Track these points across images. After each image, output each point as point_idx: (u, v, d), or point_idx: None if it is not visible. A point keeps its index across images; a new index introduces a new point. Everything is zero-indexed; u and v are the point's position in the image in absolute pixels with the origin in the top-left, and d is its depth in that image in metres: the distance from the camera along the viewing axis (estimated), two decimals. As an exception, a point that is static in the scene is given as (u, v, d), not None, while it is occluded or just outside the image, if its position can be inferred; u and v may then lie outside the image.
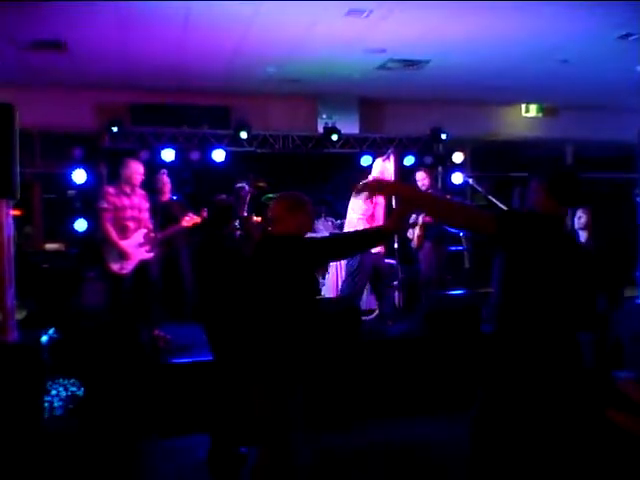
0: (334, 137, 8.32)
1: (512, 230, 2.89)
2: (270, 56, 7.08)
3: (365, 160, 8.44)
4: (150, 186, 6.70)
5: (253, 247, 3.55)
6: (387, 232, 3.58)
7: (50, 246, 8.29)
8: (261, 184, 7.57)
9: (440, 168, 8.75)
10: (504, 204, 7.10)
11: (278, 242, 3.40)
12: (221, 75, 7.82)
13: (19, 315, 6.50)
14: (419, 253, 7.34)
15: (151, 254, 6.27)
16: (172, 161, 7.71)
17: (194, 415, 5.11)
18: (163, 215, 6.69)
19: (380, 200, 6.78)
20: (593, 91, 8.67)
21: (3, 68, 5.38)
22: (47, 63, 7.14)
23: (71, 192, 7.78)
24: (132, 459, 4.79)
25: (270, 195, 7.70)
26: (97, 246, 6.25)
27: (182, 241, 6.70)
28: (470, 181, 7.57)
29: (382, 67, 7.51)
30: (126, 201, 6.15)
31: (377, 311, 7.16)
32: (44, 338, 5.47)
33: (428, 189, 7.31)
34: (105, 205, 6.03)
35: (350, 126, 8.86)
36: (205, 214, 5.95)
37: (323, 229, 8.29)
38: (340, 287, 7.10)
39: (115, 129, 7.58)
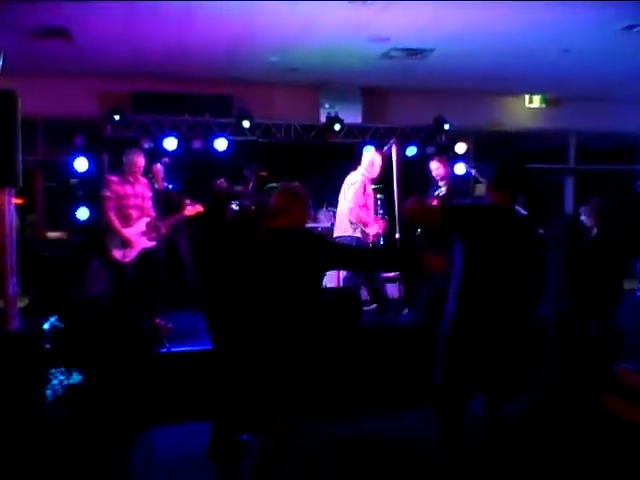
0: (336, 127, 8.29)
1: (454, 221, 3.32)
2: (272, 45, 7.05)
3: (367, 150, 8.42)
4: (148, 175, 6.71)
5: (258, 239, 3.51)
6: (421, 267, 3.58)
7: (52, 234, 8.30)
8: (263, 173, 7.58)
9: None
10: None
11: (289, 235, 3.41)
12: (223, 64, 7.79)
13: (21, 303, 6.51)
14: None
15: (153, 242, 6.28)
16: (174, 150, 7.69)
17: (195, 403, 5.13)
18: (163, 204, 6.70)
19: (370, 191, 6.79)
20: (597, 82, 8.64)
21: (6, 55, 5.35)
22: (50, 51, 7.12)
23: (73, 180, 7.78)
24: (133, 447, 4.81)
25: (273, 185, 7.71)
26: (99, 234, 6.26)
27: (182, 230, 6.70)
28: (473, 172, 7.55)
29: (385, 56, 7.48)
30: (129, 189, 6.17)
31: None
32: (46, 325, 5.48)
33: (443, 179, 7.26)
34: (108, 193, 6.05)
35: (353, 116, 8.82)
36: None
37: (324, 219, 8.29)
38: (342, 277, 7.10)
39: (117, 117, 7.55)
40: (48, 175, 8.72)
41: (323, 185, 8.08)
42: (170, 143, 7.67)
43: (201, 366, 5.21)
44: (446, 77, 8.43)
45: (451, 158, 8.08)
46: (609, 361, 5.20)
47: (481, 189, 7.10)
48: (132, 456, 4.69)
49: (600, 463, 3.58)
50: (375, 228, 6.76)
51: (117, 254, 6.05)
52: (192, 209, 6.32)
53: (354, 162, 7.17)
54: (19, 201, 7.33)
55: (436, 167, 7.29)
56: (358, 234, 6.60)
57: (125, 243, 6.06)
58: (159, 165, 6.92)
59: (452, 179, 7.33)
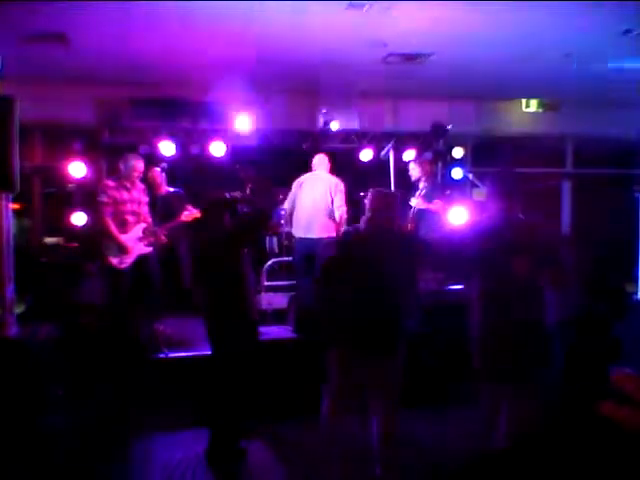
0: (334, 131, 8.31)
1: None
2: (270, 50, 7.06)
3: (365, 155, 8.43)
4: (146, 181, 6.71)
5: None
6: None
7: (49, 240, 8.28)
8: (260, 178, 7.59)
9: (440, 163, 8.74)
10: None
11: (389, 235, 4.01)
12: (221, 69, 7.79)
13: (18, 309, 6.50)
14: None
15: (150, 248, 6.27)
16: (172, 155, 7.70)
17: (194, 409, 5.12)
18: (162, 209, 6.70)
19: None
20: (594, 87, 8.65)
21: (3, 61, 5.36)
22: (48, 57, 7.11)
23: (71, 186, 7.78)
24: (132, 453, 4.80)
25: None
26: (96, 240, 6.25)
27: (180, 235, 6.70)
28: (470, 176, 7.57)
29: (383, 61, 7.49)
30: (126, 195, 6.16)
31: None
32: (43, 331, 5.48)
33: (419, 180, 7.45)
34: (105, 199, 6.04)
35: (350, 121, 8.83)
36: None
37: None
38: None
39: (115, 123, 7.56)
40: (45, 180, 8.71)
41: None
42: (167, 148, 7.67)
43: (199, 372, 5.20)
44: (443, 83, 8.44)
45: (448, 163, 8.10)
46: (606, 366, 5.22)
47: (479, 194, 7.12)
48: (130, 463, 4.68)
49: (595, 469, 3.57)
50: None
51: (113, 260, 6.04)
52: (189, 215, 6.32)
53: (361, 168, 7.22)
54: (16, 206, 7.32)
55: (412, 167, 7.55)
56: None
57: (121, 249, 6.05)
58: (158, 169, 6.93)
59: (432, 180, 7.52)
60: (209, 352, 4.74)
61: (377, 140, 8.58)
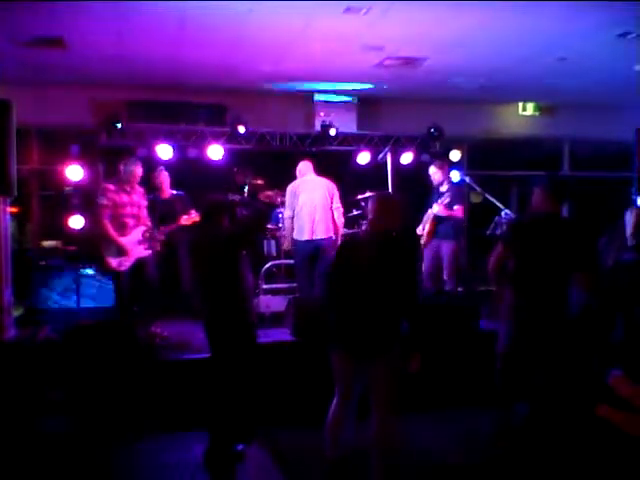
0: (331, 134, 8.33)
1: None
2: (267, 54, 7.07)
3: (362, 158, 8.45)
4: (147, 183, 6.72)
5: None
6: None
7: (47, 243, 8.28)
8: (258, 182, 7.61)
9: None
10: (501, 202, 7.12)
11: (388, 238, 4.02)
12: (218, 73, 7.81)
13: (16, 312, 6.50)
14: (424, 250, 7.38)
15: (149, 251, 6.28)
16: (169, 158, 7.70)
17: (191, 412, 5.12)
18: (163, 212, 6.71)
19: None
20: (590, 90, 8.68)
21: (1, 64, 5.37)
22: (45, 60, 7.12)
23: (68, 189, 7.78)
24: (129, 456, 4.79)
25: (269, 193, 7.71)
26: (95, 243, 6.26)
27: (179, 238, 6.71)
28: (467, 179, 7.58)
29: (380, 65, 7.51)
30: (125, 198, 6.17)
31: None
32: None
33: (441, 183, 7.39)
34: (105, 201, 6.04)
35: (347, 124, 8.85)
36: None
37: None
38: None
39: (113, 126, 7.56)
40: (43, 184, 8.71)
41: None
42: (165, 151, 7.67)
43: (197, 374, 5.20)
44: (440, 85, 8.47)
45: (445, 159, 8.10)
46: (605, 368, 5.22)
47: (477, 197, 7.13)
48: (128, 465, 4.68)
49: (593, 471, 3.59)
50: None
51: (113, 262, 6.04)
52: (188, 218, 6.33)
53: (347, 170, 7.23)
54: (14, 210, 7.33)
55: (434, 172, 7.44)
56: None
57: (121, 251, 6.06)
58: (164, 172, 6.95)
59: (452, 184, 7.42)
60: (207, 355, 4.75)
61: (374, 143, 8.59)
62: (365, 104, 9.31)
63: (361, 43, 6.70)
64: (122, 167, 6.24)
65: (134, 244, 6.14)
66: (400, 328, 3.92)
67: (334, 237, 6.97)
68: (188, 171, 7.86)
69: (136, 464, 4.68)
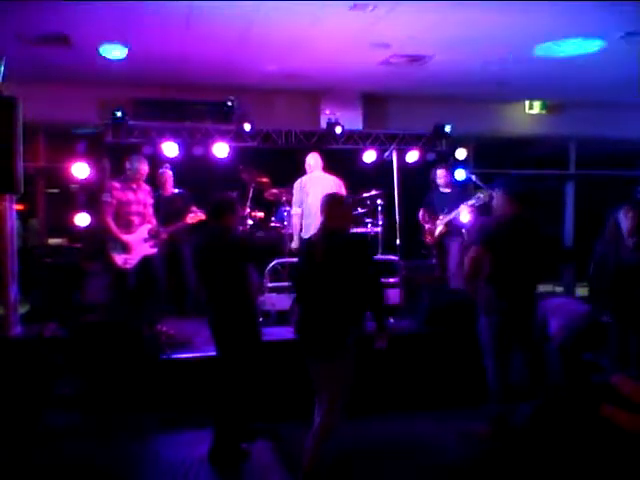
0: (337, 132, 8.32)
1: None
2: (273, 51, 7.07)
3: (368, 156, 8.43)
4: (152, 181, 6.72)
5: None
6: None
7: (53, 240, 8.31)
8: (263, 179, 7.60)
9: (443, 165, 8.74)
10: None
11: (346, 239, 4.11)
12: (224, 70, 7.81)
13: (22, 309, 6.52)
14: (433, 249, 7.41)
15: (155, 249, 6.28)
16: (175, 156, 7.70)
17: (197, 410, 5.13)
18: (166, 210, 6.71)
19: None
20: (597, 88, 8.65)
21: (7, 62, 5.37)
22: (51, 58, 7.14)
23: (74, 187, 7.79)
24: (135, 454, 4.81)
25: (274, 190, 7.71)
26: (101, 241, 6.27)
27: (185, 237, 6.71)
28: (473, 178, 7.57)
29: (386, 62, 7.50)
30: (131, 196, 6.17)
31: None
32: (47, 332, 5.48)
33: (447, 185, 7.59)
34: (109, 199, 6.04)
35: (353, 122, 8.84)
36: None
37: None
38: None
39: (118, 123, 7.56)
40: (49, 181, 8.73)
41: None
42: (171, 149, 7.67)
43: (202, 373, 5.21)
44: (446, 83, 8.45)
45: (452, 164, 8.11)
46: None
47: (483, 195, 7.09)
48: (133, 463, 4.69)
49: (597, 471, 3.58)
50: None
51: (119, 260, 6.04)
52: (194, 217, 6.33)
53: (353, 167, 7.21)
54: (20, 207, 7.35)
55: (444, 175, 7.63)
56: None
57: (125, 247, 6.06)
58: (168, 171, 6.95)
59: (456, 186, 7.65)
60: (212, 353, 4.75)
61: (380, 141, 8.58)
62: (371, 102, 9.30)
63: (367, 40, 6.69)
64: (128, 165, 6.24)
65: (139, 242, 6.14)
66: (357, 327, 4.00)
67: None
68: (193, 169, 7.86)
69: (140, 460, 4.70)
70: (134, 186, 6.20)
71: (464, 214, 7.08)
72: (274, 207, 7.82)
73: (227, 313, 4.54)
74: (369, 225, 7.85)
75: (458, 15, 5.88)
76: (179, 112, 8.28)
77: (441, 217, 7.38)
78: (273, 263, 7.49)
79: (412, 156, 8.48)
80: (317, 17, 5.96)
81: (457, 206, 7.13)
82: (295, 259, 7.34)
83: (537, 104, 9.89)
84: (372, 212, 7.87)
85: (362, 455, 4.73)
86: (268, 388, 5.19)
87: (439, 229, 7.31)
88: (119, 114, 7.49)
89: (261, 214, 7.58)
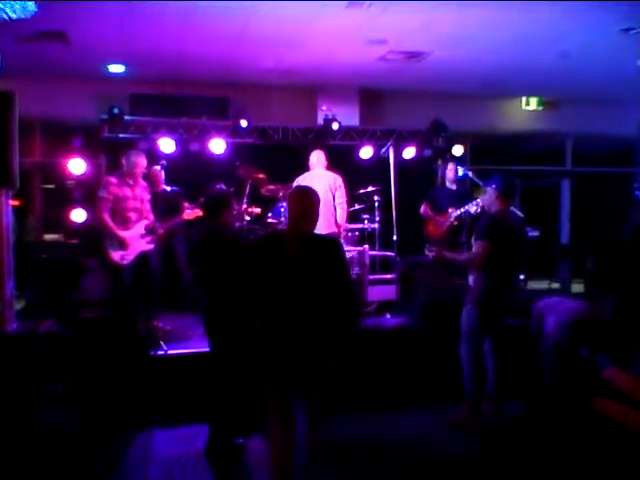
0: (334, 128, 8.32)
1: None
2: (270, 48, 7.07)
3: (365, 152, 8.43)
4: (146, 177, 6.70)
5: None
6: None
7: (49, 236, 8.30)
8: (260, 175, 7.59)
9: (439, 161, 8.76)
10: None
11: (321, 241, 3.57)
12: (221, 67, 7.80)
13: (18, 305, 6.51)
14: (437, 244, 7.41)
15: (151, 245, 6.27)
16: (171, 152, 7.69)
17: (193, 406, 5.13)
18: (162, 206, 6.70)
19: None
20: (593, 85, 8.66)
21: (4, 57, 5.37)
22: (48, 53, 7.13)
23: (70, 182, 7.78)
24: (130, 449, 4.81)
25: (271, 187, 7.71)
26: (97, 236, 6.25)
27: (180, 233, 6.70)
28: (470, 174, 7.57)
29: (382, 58, 7.50)
30: (128, 192, 6.14)
31: (375, 303, 7.18)
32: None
33: (453, 182, 7.57)
34: (105, 194, 6.02)
35: (350, 118, 8.85)
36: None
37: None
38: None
39: (114, 119, 7.55)
40: (45, 177, 8.71)
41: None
42: (167, 145, 7.67)
43: (198, 368, 5.20)
44: (443, 80, 8.45)
45: (448, 160, 8.12)
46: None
47: (479, 192, 7.11)
48: (129, 458, 4.69)
49: (591, 467, 3.59)
50: None
51: (115, 256, 6.03)
52: (191, 212, 6.31)
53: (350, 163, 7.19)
54: (16, 203, 7.33)
55: (453, 168, 7.57)
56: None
57: (122, 244, 6.05)
58: (158, 167, 6.92)
59: (461, 182, 7.62)
60: (208, 348, 4.75)
61: (377, 137, 8.58)
62: (368, 98, 9.30)
63: (364, 37, 6.69)
64: (124, 160, 6.22)
65: (136, 238, 6.13)
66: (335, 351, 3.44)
67: (337, 232, 6.92)
68: (190, 165, 7.85)
69: (137, 457, 4.69)
70: (131, 181, 6.17)
71: (474, 210, 7.11)
72: (271, 203, 7.81)
73: (222, 309, 4.54)
74: (366, 221, 7.85)
75: (455, 12, 5.88)
76: (176, 108, 8.27)
77: (451, 211, 7.34)
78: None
79: (409, 152, 8.49)
80: (314, 14, 5.95)
81: (465, 202, 7.11)
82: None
83: (534, 100, 9.91)
84: (369, 208, 7.87)
85: (357, 451, 4.74)
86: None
87: (449, 222, 7.30)
88: (116, 110, 7.49)
89: (257, 210, 7.56)
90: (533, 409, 4.60)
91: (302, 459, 3.61)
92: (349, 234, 7.52)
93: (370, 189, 7.79)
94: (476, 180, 7.46)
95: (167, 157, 7.34)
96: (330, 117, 8.40)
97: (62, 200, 7.87)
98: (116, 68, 7.14)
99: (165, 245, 6.68)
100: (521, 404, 5.11)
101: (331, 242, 3.59)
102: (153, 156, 7.20)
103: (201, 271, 4.68)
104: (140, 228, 6.19)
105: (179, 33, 6.51)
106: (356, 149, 8.49)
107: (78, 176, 7.39)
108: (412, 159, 8.53)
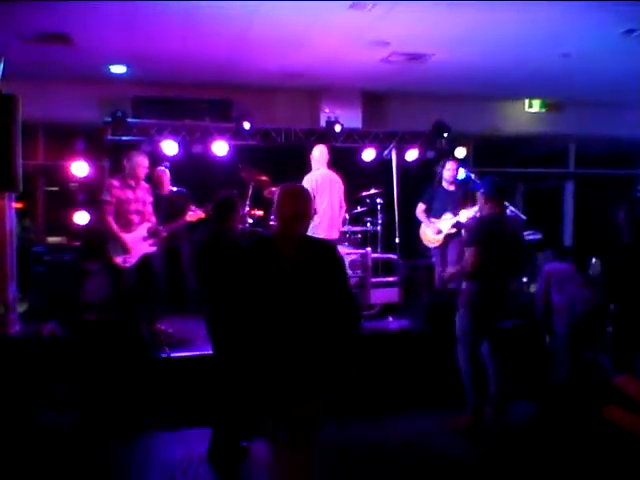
0: (337, 130, 8.31)
1: None
2: (273, 50, 7.06)
3: (367, 154, 8.43)
4: (150, 180, 6.70)
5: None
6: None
7: (52, 239, 8.30)
8: (263, 178, 7.59)
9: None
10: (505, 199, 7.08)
11: (318, 245, 3.31)
12: (224, 69, 7.80)
13: (21, 308, 6.52)
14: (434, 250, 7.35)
15: (154, 248, 6.27)
16: (174, 154, 7.69)
17: (196, 409, 5.12)
18: (165, 208, 6.70)
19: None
20: (596, 87, 8.65)
21: (7, 60, 5.36)
22: (51, 56, 7.13)
23: (73, 185, 7.78)
24: (133, 452, 4.80)
25: (273, 189, 7.70)
26: (100, 239, 6.25)
27: (184, 235, 6.70)
28: (472, 176, 7.55)
29: (385, 60, 7.49)
30: (130, 194, 6.14)
31: (378, 306, 7.17)
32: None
33: (452, 183, 7.32)
34: (108, 198, 6.01)
35: (353, 120, 8.84)
36: (209, 209, 5.96)
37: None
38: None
39: (117, 121, 7.55)
40: (48, 179, 8.72)
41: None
42: (170, 147, 7.66)
43: (201, 371, 5.20)
44: (446, 82, 8.44)
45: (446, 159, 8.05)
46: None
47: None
48: (131, 461, 4.68)
49: (599, 473, 3.58)
50: None
51: (118, 259, 6.03)
52: (194, 215, 6.31)
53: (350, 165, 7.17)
54: (19, 205, 7.34)
55: (452, 168, 7.34)
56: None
57: (125, 248, 6.05)
58: (164, 169, 6.93)
59: (461, 185, 7.37)
60: (210, 351, 4.75)
61: (379, 139, 8.57)
62: (370, 100, 9.29)
63: (367, 39, 6.69)
64: (125, 162, 6.21)
65: (139, 240, 6.13)
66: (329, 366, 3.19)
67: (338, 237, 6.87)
68: (193, 167, 7.85)
69: (139, 460, 4.69)
70: (133, 183, 6.16)
71: (463, 215, 6.96)
72: (273, 205, 7.81)
73: (224, 312, 4.53)
74: (368, 224, 7.84)
75: (458, 13, 5.87)
76: (179, 110, 8.27)
77: (446, 217, 7.17)
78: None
79: (411, 154, 8.48)
80: (316, 15, 5.95)
81: (460, 207, 6.99)
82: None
83: (536, 102, 9.89)
84: (371, 211, 7.86)
85: (360, 454, 4.73)
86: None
87: (445, 230, 7.11)
88: (119, 113, 7.50)
89: (260, 212, 7.56)
90: (545, 413, 4.60)
91: None
92: (351, 236, 7.52)
93: (372, 191, 7.79)
94: (477, 183, 7.42)
95: (170, 159, 7.34)
96: (333, 119, 8.40)
97: (65, 203, 7.87)
98: (119, 69, 7.13)
99: (169, 247, 6.68)
100: (524, 406, 5.12)
101: (326, 245, 3.34)
102: (156, 158, 7.20)
103: (204, 274, 4.67)
104: (142, 230, 6.18)
105: (182, 35, 6.51)
106: (359, 151, 8.49)
107: (81, 179, 7.39)
108: (415, 161, 8.53)
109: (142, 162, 6.20)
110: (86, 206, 7.26)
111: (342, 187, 6.91)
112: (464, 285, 5.10)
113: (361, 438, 5.01)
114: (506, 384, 5.11)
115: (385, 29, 6.36)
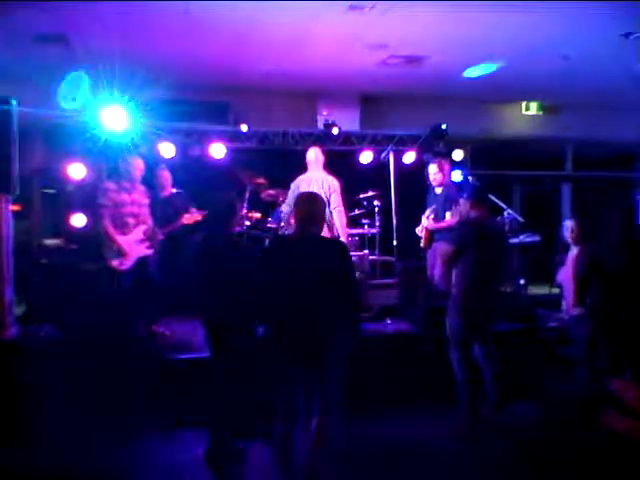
0: (334, 133, 8.31)
1: None
2: (270, 52, 7.06)
3: (365, 157, 8.42)
4: (149, 181, 6.70)
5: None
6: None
7: (49, 241, 8.27)
8: (260, 180, 7.59)
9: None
10: (503, 202, 7.10)
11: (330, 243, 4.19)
12: (221, 71, 7.80)
13: (18, 310, 6.50)
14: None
15: (150, 250, 6.26)
16: (171, 156, 7.66)
17: (193, 410, 5.11)
18: (163, 210, 6.69)
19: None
20: (594, 90, 8.66)
21: (4, 61, 5.37)
22: (48, 57, 7.12)
23: (70, 187, 7.76)
24: (130, 455, 4.79)
25: (271, 192, 7.70)
26: (96, 242, 6.24)
27: (182, 238, 6.69)
28: (470, 179, 7.54)
29: (383, 63, 7.50)
30: (126, 197, 6.13)
31: (376, 308, 7.16)
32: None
33: (440, 185, 6.86)
34: (105, 201, 6.01)
35: (350, 123, 8.84)
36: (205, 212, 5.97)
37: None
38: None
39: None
40: (45, 182, 8.70)
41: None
42: (167, 150, 7.65)
43: (198, 373, 5.19)
44: (443, 84, 8.45)
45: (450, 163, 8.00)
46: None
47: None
48: (130, 464, 4.67)
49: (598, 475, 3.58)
50: None
51: (114, 262, 6.02)
52: (190, 217, 6.31)
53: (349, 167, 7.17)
54: (15, 208, 7.31)
55: (434, 171, 6.86)
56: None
57: (121, 252, 6.03)
58: (166, 171, 6.92)
59: (448, 189, 6.85)
60: (208, 354, 4.74)
61: (377, 142, 8.57)
62: (368, 103, 9.29)
63: (364, 41, 6.69)
64: (121, 164, 6.21)
65: (135, 243, 6.12)
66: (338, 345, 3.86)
67: (337, 237, 6.88)
68: (189, 170, 7.83)
69: (137, 463, 4.68)
70: (128, 186, 6.16)
71: (424, 221, 6.70)
72: (271, 208, 7.81)
73: (222, 315, 4.52)
74: (366, 226, 7.84)
75: (455, 16, 5.88)
76: (175, 112, 8.25)
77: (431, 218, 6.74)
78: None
79: (409, 157, 8.47)
80: (314, 18, 5.95)
81: (443, 210, 6.64)
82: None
83: (534, 105, 9.90)
84: (369, 213, 7.86)
85: (359, 456, 4.72)
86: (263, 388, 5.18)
87: (423, 235, 6.77)
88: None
89: (258, 215, 7.56)
90: (549, 416, 4.62)
91: (305, 459, 3.86)
92: (349, 239, 7.51)
93: (370, 194, 7.79)
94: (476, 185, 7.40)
95: (167, 162, 7.33)
96: (330, 122, 8.39)
97: (62, 205, 7.85)
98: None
99: (167, 249, 6.66)
100: (527, 408, 5.14)
101: (337, 242, 4.12)
102: (153, 161, 7.19)
103: (205, 276, 4.66)
104: (138, 233, 6.17)
105: (179, 37, 6.51)
106: (356, 154, 8.47)
107: (78, 181, 7.37)
108: (412, 164, 8.52)
109: (137, 165, 6.21)
110: (82, 208, 7.24)
111: (337, 189, 6.84)
112: (453, 288, 5.18)
113: (361, 438, 5.00)
114: (504, 386, 5.11)
115: (382, 32, 6.37)
